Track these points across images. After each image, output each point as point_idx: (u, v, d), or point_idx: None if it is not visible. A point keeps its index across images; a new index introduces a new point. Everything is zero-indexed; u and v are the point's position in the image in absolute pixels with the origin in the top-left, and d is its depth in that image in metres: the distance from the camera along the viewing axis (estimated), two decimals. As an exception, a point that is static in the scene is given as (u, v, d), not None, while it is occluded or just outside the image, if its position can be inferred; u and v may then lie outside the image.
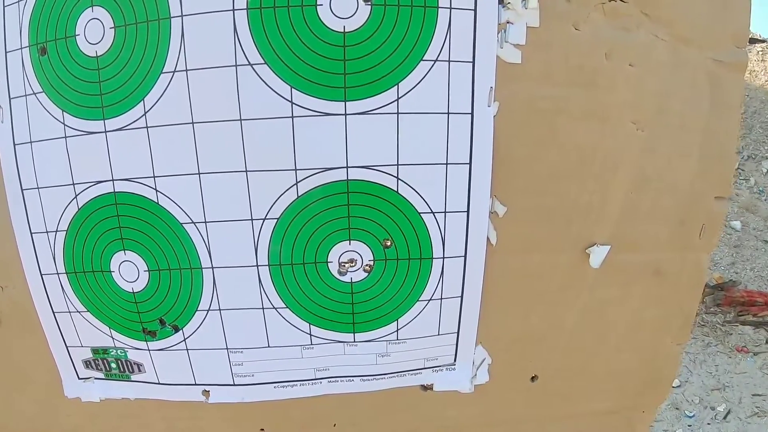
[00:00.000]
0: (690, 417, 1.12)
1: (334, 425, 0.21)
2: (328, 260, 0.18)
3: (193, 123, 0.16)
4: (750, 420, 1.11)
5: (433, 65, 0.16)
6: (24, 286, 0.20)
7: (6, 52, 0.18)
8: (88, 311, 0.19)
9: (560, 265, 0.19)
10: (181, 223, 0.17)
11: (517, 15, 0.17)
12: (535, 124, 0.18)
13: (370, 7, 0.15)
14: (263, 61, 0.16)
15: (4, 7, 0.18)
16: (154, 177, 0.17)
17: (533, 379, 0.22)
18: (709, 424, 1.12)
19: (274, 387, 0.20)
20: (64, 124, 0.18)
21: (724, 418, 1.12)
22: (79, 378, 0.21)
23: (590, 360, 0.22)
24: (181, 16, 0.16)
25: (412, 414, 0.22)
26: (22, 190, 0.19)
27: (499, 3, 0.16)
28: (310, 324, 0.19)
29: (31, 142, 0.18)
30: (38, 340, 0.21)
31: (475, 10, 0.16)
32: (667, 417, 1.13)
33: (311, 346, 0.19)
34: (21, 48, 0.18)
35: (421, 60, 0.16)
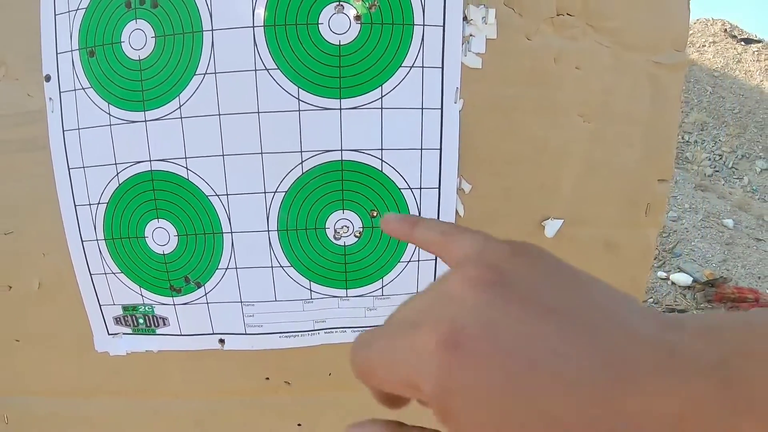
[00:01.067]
0: None
1: (330, 374, 0.32)
2: (326, 227, 0.28)
3: (219, 115, 0.27)
4: None
5: (409, 70, 0.27)
6: (63, 253, 0.31)
7: (57, 53, 0.28)
8: (122, 272, 0.30)
9: (519, 235, 0.30)
10: (207, 196, 0.28)
11: (478, 29, 0.27)
12: (494, 117, 0.28)
13: (360, 25, 0.26)
14: (276, 67, 0.26)
15: (55, 15, 0.28)
16: (185, 158, 0.28)
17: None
18: None
19: (279, 337, 0.30)
20: (110, 114, 0.28)
21: None
22: (108, 333, 0.32)
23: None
24: (212, 30, 0.26)
25: (396, 366, 0.32)
26: (68, 168, 0.29)
27: (464, 20, 0.27)
28: (310, 281, 0.29)
29: (78, 128, 0.29)
30: (72, 302, 0.32)
31: (443, 26, 0.26)
32: None
33: (311, 300, 0.30)
34: (71, 50, 0.28)
35: (400, 66, 0.26)
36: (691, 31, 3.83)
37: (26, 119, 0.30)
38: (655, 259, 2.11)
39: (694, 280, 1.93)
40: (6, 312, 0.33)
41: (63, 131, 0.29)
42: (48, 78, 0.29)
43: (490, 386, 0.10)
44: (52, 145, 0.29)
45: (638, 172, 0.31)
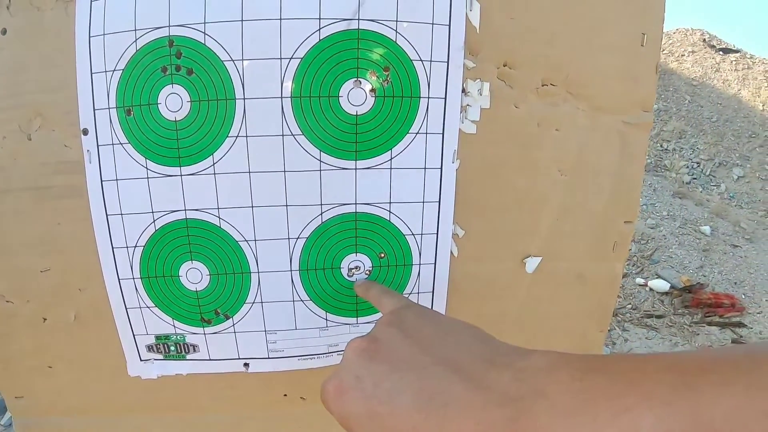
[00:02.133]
0: None
1: (341, 390, 0.38)
2: (341, 266, 0.34)
3: (249, 172, 0.32)
4: None
5: (415, 136, 0.32)
6: (99, 288, 0.35)
7: (94, 110, 0.32)
8: (156, 306, 0.35)
9: (504, 270, 0.37)
10: (237, 241, 0.33)
11: (474, 100, 0.33)
12: (484, 173, 0.34)
13: (374, 98, 0.31)
14: (301, 133, 0.31)
15: (92, 73, 0.32)
16: (218, 208, 0.32)
17: (490, 355, 0.39)
18: None
19: (298, 359, 0.36)
20: (147, 168, 0.32)
21: None
22: (141, 360, 0.37)
23: (531, 341, 0.40)
24: (244, 98, 0.31)
25: (399, 382, 0.39)
26: (107, 215, 0.33)
27: (462, 92, 0.32)
28: (326, 312, 0.35)
29: (117, 179, 0.33)
30: (107, 332, 0.37)
31: (445, 98, 0.32)
32: None
33: (326, 328, 0.35)
34: (109, 108, 0.32)
35: (408, 133, 0.32)
36: (670, 41, 4.03)
37: (65, 168, 0.34)
38: (633, 265, 2.29)
39: (672, 287, 2.02)
40: (40, 341, 0.37)
41: (101, 181, 0.33)
42: (86, 132, 0.33)
43: (361, 416, 0.18)
44: (90, 193, 0.33)
45: (606, 214, 0.38)
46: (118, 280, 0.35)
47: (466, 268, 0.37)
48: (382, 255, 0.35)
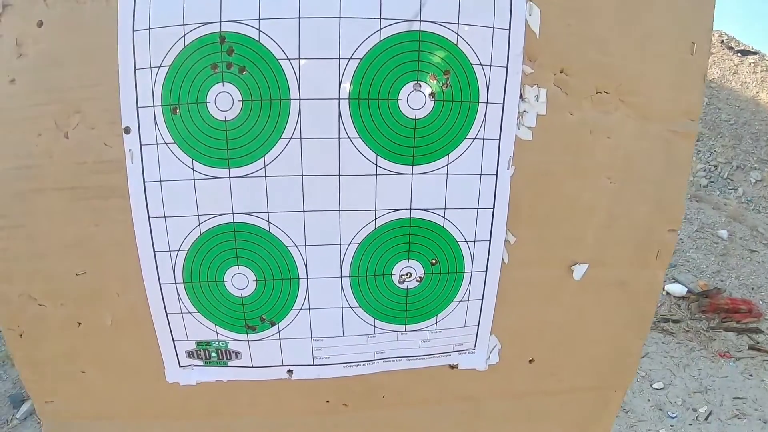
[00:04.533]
0: (672, 418, 1.49)
1: (383, 396, 0.38)
2: (392, 273, 0.34)
3: (302, 175, 0.31)
4: (730, 422, 1.49)
5: (472, 142, 0.32)
6: (137, 293, 0.34)
7: (138, 107, 0.31)
8: (198, 312, 0.34)
9: (551, 277, 0.37)
10: (287, 246, 0.32)
11: (531, 106, 0.32)
12: (536, 180, 0.34)
13: (434, 102, 0.30)
14: (358, 136, 0.30)
15: (135, 69, 0.31)
16: (268, 212, 0.31)
17: (531, 361, 0.40)
18: (690, 424, 1.47)
19: (344, 366, 0.36)
20: (193, 170, 0.31)
21: (706, 419, 1.50)
22: (180, 366, 0.36)
23: (574, 348, 0.41)
24: (299, 99, 0.30)
25: (441, 386, 0.39)
26: (149, 217, 0.32)
27: (520, 98, 0.32)
28: (375, 319, 0.35)
29: (160, 180, 0.32)
30: (144, 337, 0.35)
31: (503, 104, 0.32)
32: (651, 417, 1.49)
33: (374, 335, 0.35)
34: (153, 106, 0.31)
35: (465, 138, 0.31)
36: None
37: (104, 168, 0.32)
38: None
39: (689, 291, 2.03)
40: (73, 345, 0.36)
41: (144, 182, 0.32)
42: (128, 130, 0.31)
43: None
44: (132, 194, 0.32)
45: (651, 222, 0.38)
46: (159, 284, 0.34)
47: (513, 274, 0.37)
48: (435, 261, 0.35)
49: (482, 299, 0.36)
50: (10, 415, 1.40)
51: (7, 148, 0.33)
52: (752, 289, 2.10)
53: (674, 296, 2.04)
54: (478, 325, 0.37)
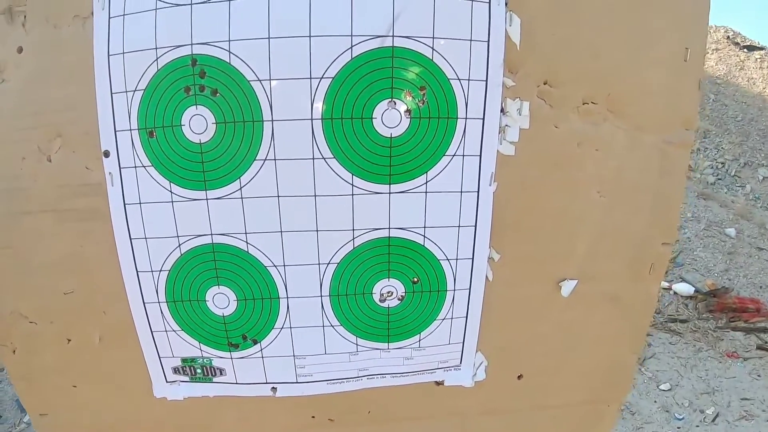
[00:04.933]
0: (679, 419, 1.48)
1: (369, 412, 0.38)
2: (373, 292, 0.33)
3: (278, 196, 0.31)
4: (738, 423, 1.47)
5: (452, 159, 0.31)
6: (122, 311, 0.35)
7: (115, 131, 0.31)
8: (182, 330, 0.34)
9: (538, 294, 0.36)
10: (266, 266, 0.32)
11: (513, 120, 0.31)
12: (521, 196, 0.33)
13: (410, 119, 0.29)
14: (332, 156, 0.30)
15: (112, 93, 0.31)
16: (245, 233, 0.31)
17: (519, 377, 0.39)
18: (698, 426, 1.47)
19: (327, 383, 0.36)
20: (171, 192, 0.31)
21: (713, 421, 1.49)
22: (167, 381, 0.36)
23: (563, 364, 0.39)
24: (272, 120, 0.29)
25: (428, 403, 0.39)
26: (130, 238, 0.32)
27: (501, 112, 0.31)
28: (357, 337, 0.34)
29: (140, 203, 0.32)
30: (131, 353, 0.36)
31: (483, 118, 0.30)
32: (657, 419, 1.49)
33: (357, 353, 0.35)
34: (130, 129, 0.31)
35: (444, 155, 0.31)
36: None
37: (86, 191, 0.33)
38: None
39: (696, 290, 2.00)
40: (65, 361, 0.37)
41: (124, 204, 0.32)
42: (107, 154, 0.31)
43: None
44: (114, 216, 0.32)
45: (644, 236, 0.37)
46: (143, 303, 0.35)
47: (499, 291, 0.36)
48: (416, 280, 0.34)
49: (466, 317, 0.35)
50: (17, 418, 1.45)
51: (-4, 172, 0.34)
52: (760, 287, 2.08)
53: (681, 296, 2.04)
54: (463, 343, 0.37)
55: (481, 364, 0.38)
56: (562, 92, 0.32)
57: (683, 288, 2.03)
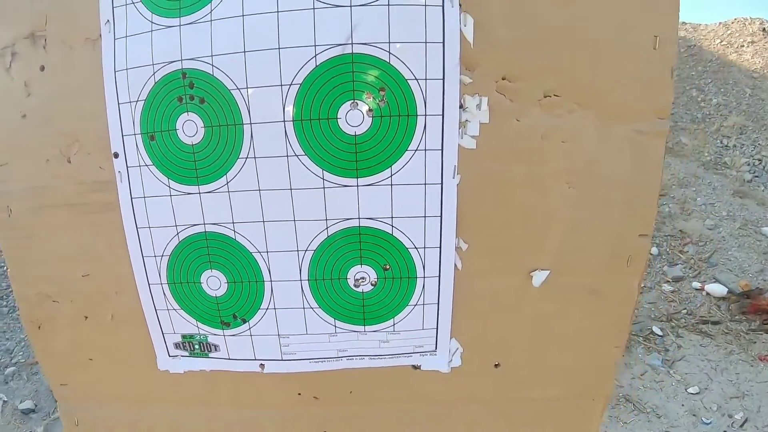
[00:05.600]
0: (707, 424, 1.65)
1: (351, 392, 0.49)
2: (347, 277, 0.44)
3: (260, 190, 0.42)
4: (767, 429, 1.58)
5: (414, 153, 0.40)
6: (132, 292, 0.49)
7: (123, 135, 0.44)
8: (181, 309, 0.47)
9: (510, 285, 0.45)
10: (251, 252, 0.44)
11: (473, 115, 0.40)
12: (487, 189, 0.42)
13: (371, 118, 0.39)
14: (304, 153, 0.41)
15: (119, 104, 0.44)
16: (233, 222, 0.43)
17: (496, 366, 0.48)
18: (725, 431, 1.59)
19: (309, 362, 0.47)
20: (169, 187, 0.44)
21: (741, 426, 1.63)
22: (169, 356, 0.50)
23: (542, 357, 0.49)
24: (251, 123, 0.41)
25: (406, 386, 0.49)
26: (137, 227, 0.46)
27: (460, 107, 0.40)
28: (335, 319, 0.46)
29: (144, 197, 0.45)
30: (138, 330, 0.50)
31: (442, 115, 0.40)
32: (684, 423, 1.66)
33: (335, 334, 0.46)
34: (135, 134, 0.44)
35: (407, 150, 0.40)
36: (728, 31, 4.34)
37: (100, 187, 0.46)
38: (690, 268, 2.53)
39: (729, 291, 2.21)
40: (82, 336, 0.52)
41: (131, 198, 0.45)
42: (116, 155, 0.45)
43: None
44: (123, 209, 0.46)
45: (620, 228, 0.45)
46: (149, 284, 0.48)
47: (471, 283, 0.45)
48: (387, 267, 0.44)
49: (438, 303, 0.45)
50: (51, 408, 1.85)
51: (22, 172, 0.49)
52: (797, 289, 2.27)
53: (714, 297, 2.25)
54: (437, 329, 0.47)
55: (456, 351, 0.48)
56: (522, 86, 0.40)
57: (716, 289, 2.24)
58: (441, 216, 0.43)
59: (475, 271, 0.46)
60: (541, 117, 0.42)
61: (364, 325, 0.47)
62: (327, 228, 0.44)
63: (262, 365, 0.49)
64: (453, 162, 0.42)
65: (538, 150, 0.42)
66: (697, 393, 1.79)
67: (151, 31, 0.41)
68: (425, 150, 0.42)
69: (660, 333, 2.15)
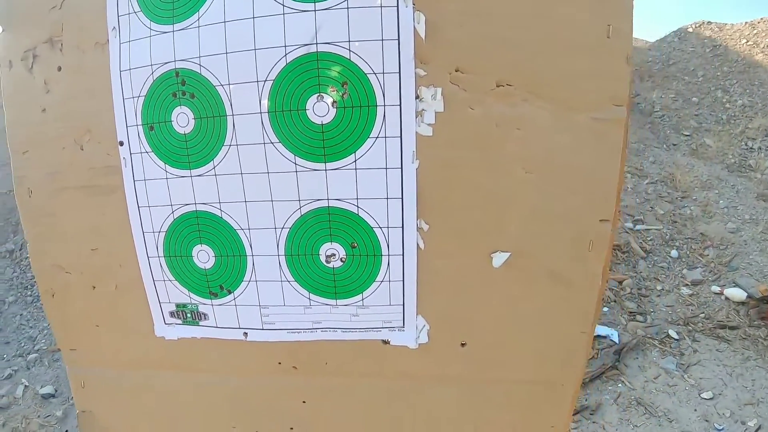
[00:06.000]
0: (719, 430, 1.77)
1: (326, 363, 0.60)
2: (319, 253, 0.55)
3: (241, 173, 0.54)
4: None
5: (375, 141, 0.51)
6: (134, 265, 0.62)
7: (127, 126, 0.57)
8: (176, 280, 0.60)
9: (472, 265, 0.54)
10: (235, 229, 0.56)
11: (428, 105, 0.50)
12: (446, 173, 0.51)
13: (336, 109, 0.50)
14: (278, 141, 0.52)
15: (123, 99, 0.57)
16: (219, 202, 0.55)
17: (463, 345, 0.57)
18: None
19: (287, 332, 0.59)
20: (166, 171, 0.56)
21: None
22: (165, 323, 0.63)
23: (508, 339, 0.57)
24: (233, 115, 0.53)
25: (378, 360, 0.60)
26: (138, 207, 0.59)
27: (416, 98, 0.49)
28: (309, 293, 0.57)
29: (145, 179, 0.58)
30: (140, 300, 0.63)
31: (400, 105, 0.50)
32: (696, 428, 1.78)
33: (310, 306, 0.57)
34: (137, 125, 0.57)
35: (368, 138, 0.50)
36: (755, 31, 4.62)
37: (108, 171, 0.60)
38: (710, 272, 2.68)
39: (749, 296, 2.38)
40: (90, 305, 0.66)
41: (134, 181, 0.58)
42: (122, 143, 0.57)
43: None
44: (126, 190, 0.59)
45: (581, 213, 0.52)
46: (148, 258, 0.61)
47: (434, 263, 0.55)
48: (354, 245, 0.55)
49: (403, 281, 0.55)
50: (71, 393, 2.09)
51: (42, 159, 0.63)
52: (820, 296, 2.35)
53: (733, 301, 2.42)
54: (404, 305, 0.56)
55: (423, 328, 0.58)
56: (474, 77, 0.49)
57: (735, 293, 2.44)
58: (402, 198, 0.53)
59: (437, 250, 0.55)
60: (495, 106, 0.51)
61: (336, 299, 0.58)
62: (300, 208, 0.55)
63: (245, 333, 0.61)
64: (411, 148, 0.51)
65: (493, 137, 0.51)
66: (710, 398, 1.92)
67: (150, 36, 0.53)
68: (385, 137, 0.51)
69: (676, 336, 2.28)
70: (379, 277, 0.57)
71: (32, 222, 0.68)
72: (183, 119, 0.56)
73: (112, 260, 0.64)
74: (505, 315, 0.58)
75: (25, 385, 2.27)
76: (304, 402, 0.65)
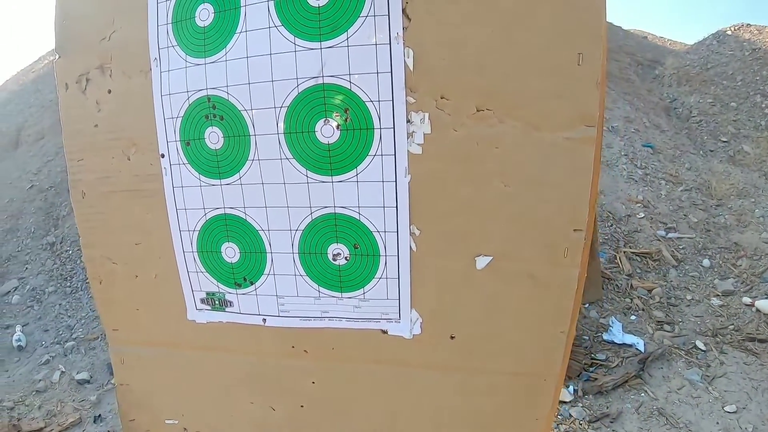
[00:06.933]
0: None
1: (332, 348, 0.84)
2: (327, 252, 0.78)
3: (263, 183, 0.78)
4: None
5: (373, 158, 0.73)
6: (171, 258, 0.88)
7: (167, 141, 0.82)
8: (207, 272, 0.86)
9: (459, 266, 0.76)
10: (257, 230, 0.80)
11: (418, 127, 0.71)
12: (433, 186, 0.73)
13: (340, 131, 0.72)
14: (293, 157, 0.75)
15: (164, 119, 0.82)
16: (245, 207, 0.80)
17: (452, 337, 0.79)
18: None
19: (300, 320, 0.83)
20: (200, 180, 0.81)
21: None
22: (196, 309, 0.89)
23: (493, 332, 0.79)
24: (255, 135, 0.76)
25: (377, 348, 0.83)
26: (176, 209, 0.84)
27: (407, 122, 0.71)
28: (319, 286, 0.80)
29: (182, 186, 0.83)
30: (175, 288, 0.89)
31: (393, 128, 0.71)
32: None
33: (319, 298, 0.81)
34: (176, 141, 0.82)
35: (368, 155, 0.73)
36: None
37: (151, 179, 0.85)
38: (742, 283, 2.95)
39: None
40: (132, 291, 0.92)
41: (173, 187, 0.83)
42: (163, 155, 0.82)
43: None
44: (166, 195, 0.84)
45: (555, 223, 0.72)
46: (183, 252, 0.86)
47: (425, 262, 0.76)
48: (357, 246, 0.77)
49: (398, 278, 0.77)
50: (106, 380, 2.64)
51: (96, 166, 0.89)
52: None
53: (764, 313, 2.64)
54: (399, 299, 0.78)
55: (417, 320, 0.79)
56: (456, 103, 0.69)
57: (766, 305, 2.68)
58: (397, 207, 0.74)
59: (428, 252, 0.76)
60: (475, 127, 0.71)
61: (341, 292, 0.80)
62: (311, 213, 0.77)
63: (264, 319, 0.85)
64: (404, 164, 0.72)
65: (474, 154, 0.71)
66: (734, 412, 2.12)
67: (186, 67, 0.77)
68: (382, 155, 0.73)
69: (703, 348, 2.49)
70: (378, 275, 0.79)
71: (85, 218, 0.95)
72: (214, 137, 0.79)
73: (153, 253, 0.90)
74: (489, 310, 0.78)
75: (62, 371, 2.74)
76: (313, 383, 0.89)
